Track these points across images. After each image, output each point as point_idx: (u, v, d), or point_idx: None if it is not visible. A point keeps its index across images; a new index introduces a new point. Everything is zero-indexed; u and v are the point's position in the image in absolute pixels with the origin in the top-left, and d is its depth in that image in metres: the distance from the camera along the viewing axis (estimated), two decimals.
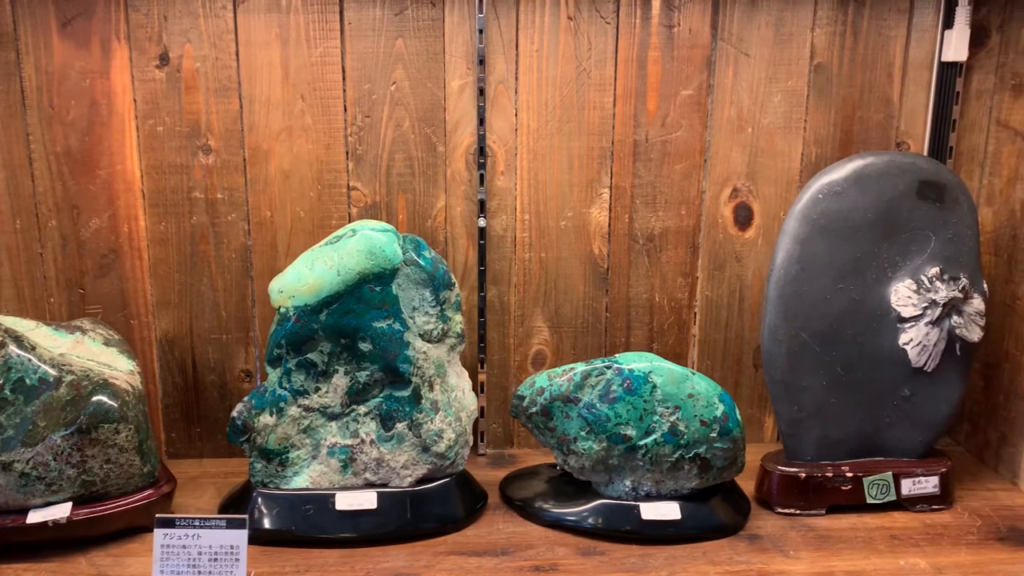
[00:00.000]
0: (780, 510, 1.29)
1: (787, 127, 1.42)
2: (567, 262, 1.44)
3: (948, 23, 1.38)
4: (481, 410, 1.48)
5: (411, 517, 1.22)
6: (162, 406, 1.44)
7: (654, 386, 1.20)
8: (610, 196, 1.43)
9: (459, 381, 1.28)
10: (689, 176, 1.43)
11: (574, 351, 1.48)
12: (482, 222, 1.41)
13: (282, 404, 1.21)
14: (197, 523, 1.06)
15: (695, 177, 1.43)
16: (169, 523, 1.06)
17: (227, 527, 1.06)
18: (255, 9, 1.32)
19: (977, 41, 1.40)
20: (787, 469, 1.29)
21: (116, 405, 1.15)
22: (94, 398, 1.15)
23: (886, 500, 1.29)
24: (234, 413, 1.21)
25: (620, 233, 1.44)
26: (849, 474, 1.29)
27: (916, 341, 1.26)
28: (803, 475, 1.28)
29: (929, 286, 1.25)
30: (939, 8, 1.39)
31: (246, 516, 1.06)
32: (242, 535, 1.05)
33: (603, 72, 1.38)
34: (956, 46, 1.38)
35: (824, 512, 1.29)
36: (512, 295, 1.45)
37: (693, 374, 1.22)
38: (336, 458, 1.22)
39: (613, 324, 1.48)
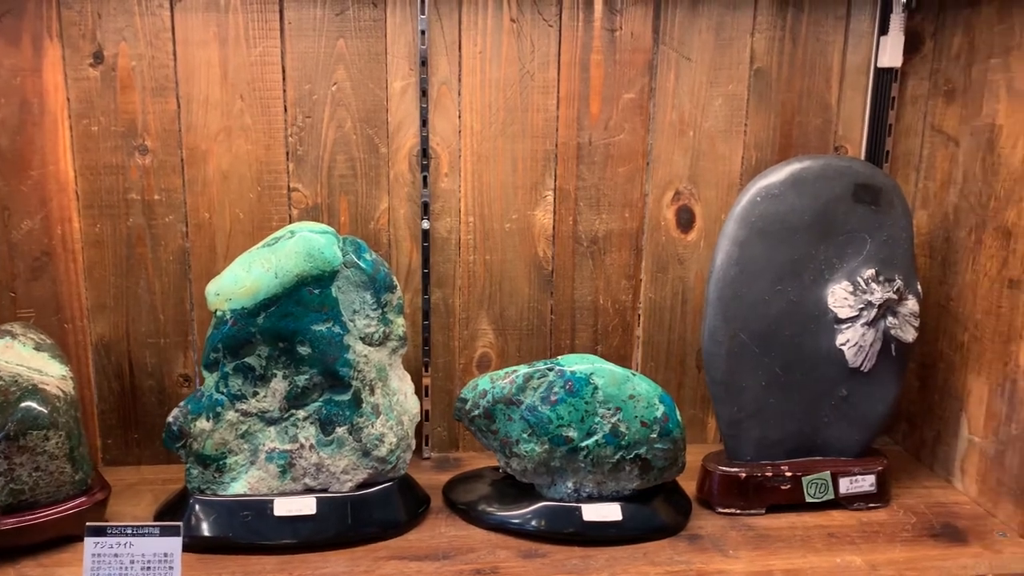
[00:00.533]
0: (721, 510, 1.30)
1: (728, 131, 1.43)
2: (512, 264, 1.44)
3: (884, 29, 1.41)
4: (426, 414, 1.47)
5: (351, 522, 1.20)
6: (98, 412, 1.41)
7: (595, 388, 1.20)
8: (554, 199, 1.43)
9: (401, 384, 1.27)
10: (632, 179, 1.44)
11: (519, 354, 1.48)
12: (426, 224, 1.40)
13: (219, 409, 1.19)
14: (129, 531, 1.03)
15: (638, 180, 1.44)
16: (100, 531, 1.03)
17: (160, 535, 1.03)
18: (193, 8, 1.30)
19: (912, 47, 1.43)
20: (727, 469, 1.30)
21: (45, 411, 1.12)
22: (22, 404, 1.12)
23: (824, 499, 1.31)
24: (170, 418, 1.19)
25: (564, 235, 1.44)
26: (788, 473, 1.30)
27: (853, 342, 1.28)
28: (743, 475, 1.29)
29: (865, 287, 1.27)
30: (875, 14, 1.42)
31: (180, 523, 1.04)
32: (176, 543, 1.03)
33: (546, 75, 1.38)
34: (891, 52, 1.40)
35: (764, 511, 1.30)
36: (457, 298, 1.45)
37: (634, 375, 1.23)
38: (275, 463, 1.21)
39: (558, 326, 1.48)
